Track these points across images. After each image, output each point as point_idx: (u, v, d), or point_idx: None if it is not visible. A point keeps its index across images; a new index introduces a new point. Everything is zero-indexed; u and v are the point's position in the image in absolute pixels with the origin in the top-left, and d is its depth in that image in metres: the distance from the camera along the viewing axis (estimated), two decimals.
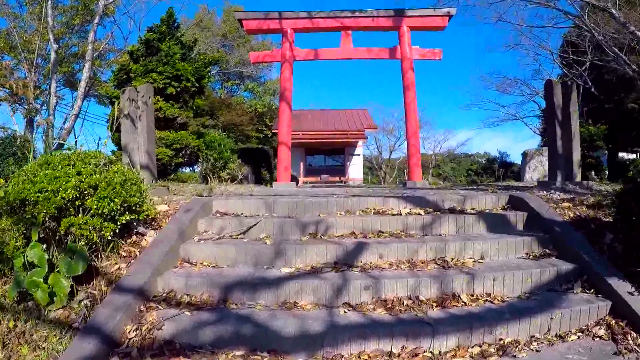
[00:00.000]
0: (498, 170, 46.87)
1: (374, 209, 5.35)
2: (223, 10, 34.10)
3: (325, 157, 32.12)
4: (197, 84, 12.15)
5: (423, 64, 11.83)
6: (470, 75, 66.12)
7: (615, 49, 19.11)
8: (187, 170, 15.54)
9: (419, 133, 11.25)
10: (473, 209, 5.56)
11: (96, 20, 13.41)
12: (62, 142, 10.94)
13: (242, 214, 5.39)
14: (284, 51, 11.05)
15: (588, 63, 24.60)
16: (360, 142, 30.45)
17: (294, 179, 17.51)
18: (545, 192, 6.73)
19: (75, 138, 13.04)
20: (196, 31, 32.07)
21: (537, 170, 14.18)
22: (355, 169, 30.92)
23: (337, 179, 30.35)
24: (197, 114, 31.47)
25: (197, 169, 13.43)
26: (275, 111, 35.93)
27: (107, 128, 12.74)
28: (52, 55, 12.87)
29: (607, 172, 22.21)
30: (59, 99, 22.71)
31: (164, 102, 11.76)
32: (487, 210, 5.55)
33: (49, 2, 12.13)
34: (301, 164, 30.06)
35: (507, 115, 33.32)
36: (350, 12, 10.89)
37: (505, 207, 5.75)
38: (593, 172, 19.72)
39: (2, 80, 7.29)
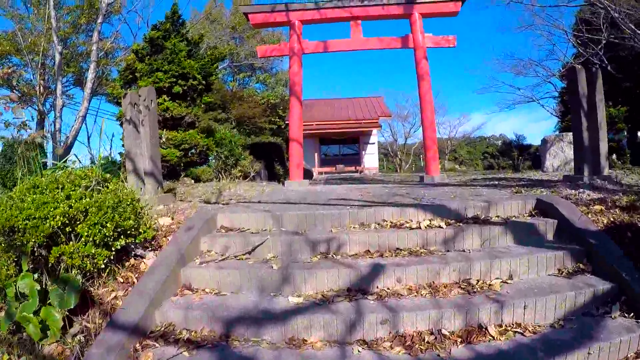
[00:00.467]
0: (516, 156, 45.96)
1: (391, 222, 4.91)
2: (233, 1, 33.61)
3: (340, 146, 31.65)
4: (204, 82, 11.77)
5: (436, 49, 11.45)
6: (484, 59, 64.42)
7: (631, 25, 18.34)
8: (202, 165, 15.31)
9: (435, 124, 10.77)
10: (498, 216, 5.11)
11: (99, 20, 13.12)
12: (67, 148, 10.74)
13: (248, 229, 5.03)
14: (292, 44, 10.61)
15: (604, 42, 23.69)
16: (374, 131, 29.92)
17: (308, 173, 17.16)
18: (572, 190, 6.26)
19: (87, 135, 12.86)
20: (206, 24, 31.66)
21: (557, 156, 13.54)
22: (370, 158, 30.43)
23: (352, 168, 29.96)
24: (209, 108, 31.25)
25: (214, 160, 13.06)
26: (287, 102, 35.53)
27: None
28: (57, 57, 12.67)
29: (629, 155, 21.38)
30: (70, 98, 22.69)
31: (171, 101, 11.43)
32: (514, 218, 5.08)
33: (51, 2, 11.83)
34: (315, 154, 29.68)
35: (523, 98, 32.28)
36: (359, 0, 10.39)
37: (533, 212, 5.28)
38: (615, 156, 19.01)
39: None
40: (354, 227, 4.86)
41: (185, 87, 11.55)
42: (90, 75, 12.37)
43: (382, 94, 41.23)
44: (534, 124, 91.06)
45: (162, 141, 11.06)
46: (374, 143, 30.66)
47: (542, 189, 6.73)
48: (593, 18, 23.68)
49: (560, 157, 13.44)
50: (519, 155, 49.59)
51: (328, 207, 5.49)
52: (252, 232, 4.92)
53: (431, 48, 10.72)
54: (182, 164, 11.58)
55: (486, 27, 74.42)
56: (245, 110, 28.00)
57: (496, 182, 8.79)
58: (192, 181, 17.11)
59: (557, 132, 44.00)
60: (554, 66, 31.52)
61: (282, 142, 17.72)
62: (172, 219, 5.77)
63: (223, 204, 6.96)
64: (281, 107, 33.67)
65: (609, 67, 26.78)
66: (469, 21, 79.53)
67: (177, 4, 12.76)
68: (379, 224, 4.90)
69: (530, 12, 25.90)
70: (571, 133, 14.19)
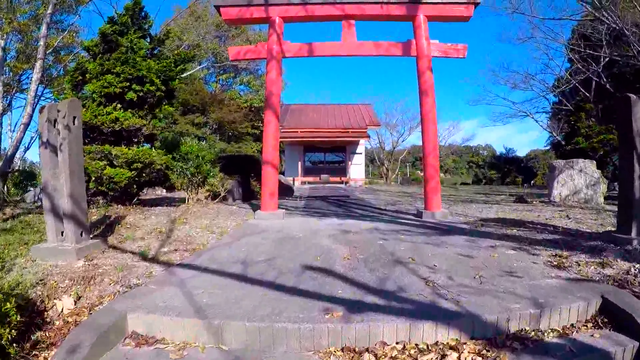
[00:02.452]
0: (506, 170, 44.65)
1: (397, 351, 2.92)
2: None
3: (326, 154, 29.78)
4: (163, 87, 9.67)
5: (442, 59, 9.50)
6: (479, 69, 62.99)
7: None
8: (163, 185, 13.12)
9: (438, 149, 8.87)
10: (553, 330, 3.21)
11: (49, 11, 11.04)
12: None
13: (168, 344, 3.07)
14: (271, 46, 8.63)
15: (607, 58, 22.15)
16: (362, 141, 28.05)
17: (287, 190, 15.20)
18: (627, 261, 4.56)
19: (25, 148, 10.74)
20: (190, 21, 29.53)
21: (566, 185, 11.92)
22: (357, 169, 28.60)
23: (337, 179, 28.12)
24: (187, 111, 29.17)
25: (177, 178, 11.03)
26: None
27: None
28: None
29: None
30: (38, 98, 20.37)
31: (122, 110, 9.34)
32: (575, 333, 3.17)
33: None
34: (299, 162, 27.79)
35: (516, 112, 30.75)
36: None
37: (599, 320, 3.39)
38: None
39: None
40: (335, 356, 2.92)
41: (141, 94, 9.48)
42: (35, 75, 10.29)
43: (372, 101, 39.63)
44: (522, 135, 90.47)
45: (108, 158, 9.03)
46: (361, 153, 28.83)
47: (582, 255, 5.11)
48: (593, 34, 22.20)
49: (569, 186, 11.82)
50: (509, 169, 48.42)
51: (298, 297, 3.55)
52: (175, 349, 2.98)
53: (437, 58, 8.85)
54: (134, 186, 9.51)
55: (484, 36, 73.17)
56: (226, 114, 25.96)
57: (515, 232, 6.94)
58: (164, 191, 15.05)
59: (548, 147, 42.75)
60: (550, 79, 30.13)
61: (259, 156, 15.66)
62: (78, 299, 3.89)
63: (160, 263, 5.09)
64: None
65: (607, 85, 25.34)
66: (467, 28, 78.29)
67: None
68: (375, 355, 2.93)
69: (530, 23, 24.48)
70: (581, 160, 12.74)
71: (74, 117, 5.47)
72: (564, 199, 11.77)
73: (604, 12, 16.53)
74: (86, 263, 4.98)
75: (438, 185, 8.80)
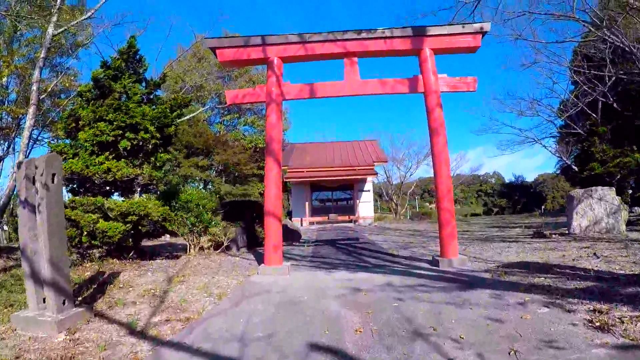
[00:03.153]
0: (516, 199, 43.73)
1: None
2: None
3: (333, 192, 29.09)
4: (158, 135, 9.12)
5: (451, 94, 8.97)
6: (484, 98, 62.64)
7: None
8: (161, 237, 12.39)
9: (452, 191, 8.18)
10: None
11: (42, 54, 10.64)
12: None
13: None
14: (270, 88, 8.11)
15: (613, 78, 21.64)
16: (369, 178, 27.40)
17: (293, 234, 14.45)
18: None
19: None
20: (193, 62, 29.52)
21: (586, 216, 11.16)
22: (365, 206, 27.81)
23: (346, 217, 27.30)
24: (190, 153, 28.77)
25: (176, 228, 10.41)
26: None
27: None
28: None
29: None
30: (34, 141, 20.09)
31: (115, 160, 8.79)
32: None
33: None
34: (306, 203, 27.06)
35: (524, 138, 30.05)
36: (355, 32, 7.94)
37: None
38: None
39: None
40: None
41: (135, 141, 8.95)
42: (28, 122, 9.82)
43: (377, 135, 39.24)
44: (529, 159, 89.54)
45: (101, 210, 8.41)
46: (369, 190, 28.10)
47: (623, 307, 4.47)
48: (596, 53, 21.77)
49: (589, 216, 11.07)
50: (519, 198, 47.57)
51: None
52: None
53: (447, 93, 8.27)
54: (130, 239, 8.84)
55: (487, 65, 73.37)
56: (230, 156, 25.47)
57: (543, 280, 6.15)
58: (168, 236, 14.29)
59: (557, 171, 41.79)
60: (555, 103, 29.59)
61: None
62: None
63: (148, 339, 4.46)
64: None
65: (614, 104, 24.73)
66: (470, 57, 78.66)
67: (135, 37, 10.30)
68: None
69: (533, 49, 24.14)
70: (600, 188, 11.97)
71: (53, 175, 4.88)
72: (584, 230, 11.02)
73: (605, 31, 16.08)
74: (67, 338, 4.37)
75: (454, 231, 8.04)
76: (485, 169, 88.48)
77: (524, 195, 50.10)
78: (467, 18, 9.98)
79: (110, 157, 8.84)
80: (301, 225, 26.48)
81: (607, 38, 16.56)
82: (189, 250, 10.75)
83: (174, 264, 9.06)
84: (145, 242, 11.42)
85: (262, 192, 30.38)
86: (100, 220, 8.35)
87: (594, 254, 7.78)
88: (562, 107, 27.32)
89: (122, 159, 8.92)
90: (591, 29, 16.87)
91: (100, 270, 7.95)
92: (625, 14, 15.76)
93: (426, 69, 8.07)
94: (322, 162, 27.97)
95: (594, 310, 4.42)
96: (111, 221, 8.36)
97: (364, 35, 7.93)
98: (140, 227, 8.83)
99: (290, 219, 29.41)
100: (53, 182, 4.88)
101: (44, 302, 4.78)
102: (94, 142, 8.82)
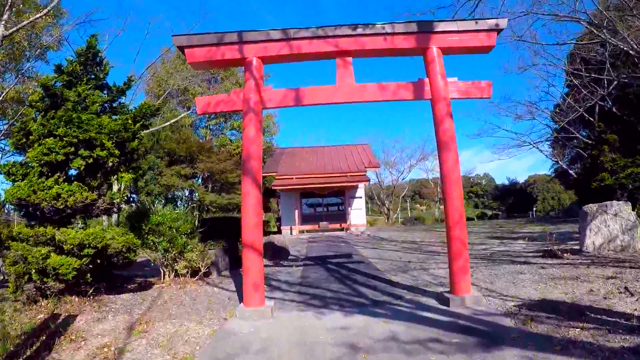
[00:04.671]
0: (511, 202, 42.66)
1: None
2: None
3: (324, 199, 27.69)
4: (116, 151, 7.57)
5: (462, 100, 7.57)
6: (479, 103, 61.58)
7: None
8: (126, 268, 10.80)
9: (465, 216, 6.80)
10: None
11: None
12: None
13: None
14: (248, 94, 6.68)
15: (615, 82, 20.52)
16: (361, 184, 26.05)
17: (280, 253, 13.03)
18: None
19: None
20: (177, 63, 27.95)
21: (600, 233, 9.96)
22: (357, 214, 26.45)
23: (337, 225, 25.92)
24: (173, 161, 27.15)
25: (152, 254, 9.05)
26: (265, 151, 31.68)
27: None
28: None
29: None
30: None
31: (66, 183, 7.27)
32: None
33: None
34: (296, 211, 25.65)
35: (519, 142, 28.94)
36: (350, 27, 6.52)
37: None
38: None
39: None
40: None
41: (91, 160, 7.44)
42: None
43: (369, 139, 37.93)
44: (521, 161, 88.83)
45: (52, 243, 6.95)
46: (360, 197, 26.73)
47: None
48: (595, 56, 20.68)
49: (604, 233, 9.84)
50: (514, 201, 46.65)
51: None
52: None
53: (457, 100, 6.91)
54: (88, 275, 7.33)
55: (483, 68, 72.37)
56: (215, 163, 23.92)
57: (579, 333, 4.84)
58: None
59: (552, 174, 40.76)
60: (552, 107, 28.54)
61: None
62: None
63: None
64: None
65: (614, 108, 23.64)
66: (462, 60, 77.45)
67: (96, 36, 8.79)
68: None
69: (530, 50, 23.04)
70: (615, 203, 10.81)
71: None
72: (598, 248, 9.80)
73: (605, 32, 14.98)
74: None
75: (467, 264, 6.66)
76: (476, 170, 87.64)
77: (515, 196, 49.19)
78: (466, 17, 8.70)
79: (61, 179, 7.33)
80: (291, 233, 25.13)
81: (609, 40, 15.47)
82: (163, 277, 9.32)
83: (142, 300, 7.64)
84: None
85: None
86: (52, 254, 6.88)
87: (625, 288, 6.50)
88: (556, 110, 26.27)
89: (75, 182, 7.40)
90: (594, 30, 15.78)
91: (55, 311, 6.56)
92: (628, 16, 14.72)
93: (433, 71, 6.69)
94: (312, 168, 26.59)
95: None
96: (64, 255, 6.89)
97: (360, 31, 6.53)
98: (98, 262, 7.36)
99: (280, 227, 28.00)
100: None
101: None
102: (42, 161, 7.30)
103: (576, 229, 15.69)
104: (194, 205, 24.74)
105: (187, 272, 9.50)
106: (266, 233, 31.37)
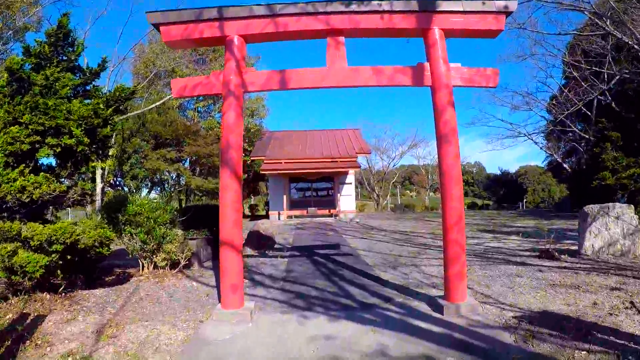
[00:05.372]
0: (502, 193, 42.32)
1: None
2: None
3: (312, 184, 27.07)
4: (86, 139, 6.80)
5: (465, 88, 7.04)
6: (475, 91, 60.98)
7: None
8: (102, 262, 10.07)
9: (464, 219, 6.19)
10: None
11: None
12: None
13: None
14: (228, 76, 5.98)
15: (617, 77, 19.93)
16: (351, 170, 25.45)
17: (266, 241, 12.44)
18: None
19: None
20: (164, 44, 26.89)
21: (600, 236, 9.48)
22: (346, 200, 25.90)
23: (326, 211, 25.38)
24: (159, 144, 26.24)
25: (128, 243, 8.47)
26: (254, 134, 30.87)
27: None
28: None
29: None
30: None
31: (32, 174, 6.53)
32: None
33: None
34: (284, 196, 25.02)
35: (514, 133, 28.44)
36: (343, 4, 5.79)
37: None
38: None
39: None
40: None
41: (59, 149, 6.69)
42: None
43: (360, 124, 37.37)
44: (510, 150, 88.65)
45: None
46: (350, 183, 26.15)
47: None
48: (596, 49, 20.08)
49: (604, 236, 9.35)
50: (504, 192, 46.36)
51: None
52: None
53: (461, 87, 6.27)
54: (59, 271, 6.66)
55: (480, 56, 71.59)
56: (202, 147, 23.09)
57: (586, 357, 4.32)
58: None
59: (544, 166, 40.41)
60: (548, 97, 28.04)
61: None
62: None
63: None
64: (247, 140, 29.01)
65: (613, 104, 23.14)
66: (460, 47, 76.15)
67: (68, 15, 7.94)
68: None
69: (530, 39, 22.41)
70: (618, 205, 10.33)
71: None
72: (597, 251, 9.31)
73: (608, 22, 14.42)
74: None
75: (464, 269, 6.09)
76: (467, 158, 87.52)
77: (506, 187, 48.99)
78: None
79: (27, 170, 6.59)
80: (279, 219, 24.57)
81: (612, 32, 14.89)
82: (142, 269, 8.75)
83: (117, 296, 7.05)
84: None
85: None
86: (20, 251, 6.20)
87: (632, 303, 5.99)
88: (553, 102, 25.74)
89: (42, 173, 6.67)
90: (597, 21, 15.19)
91: (25, 310, 5.96)
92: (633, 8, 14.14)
93: (435, 55, 6.02)
94: (301, 153, 25.92)
95: None
96: (32, 252, 6.21)
97: (354, 7, 5.81)
98: (69, 257, 6.70)
99: (268, 213, 27.39)
100: None
101: None
102: (7, 151, 6.57)
103: (570, 226, 15.31)
104: (181, 189, 24.00)
105: (167, 265, 8.90)
106: (255, 217, 30.80)
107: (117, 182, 26.76)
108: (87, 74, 8.04)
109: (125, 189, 26.13)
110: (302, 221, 23.11)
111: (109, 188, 22.75)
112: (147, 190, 29.10)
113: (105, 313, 6.20)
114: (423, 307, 6.28)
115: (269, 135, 29.91)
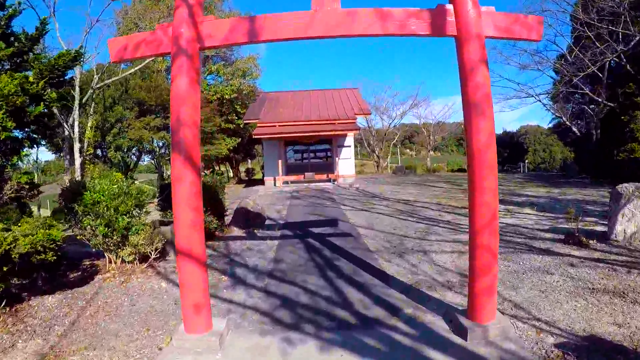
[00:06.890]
0: (506, 154, 40.71)
1: None
2: None
3: (310, 147, 25.42)
4: (10, 122, 5.10)
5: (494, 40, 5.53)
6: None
7: None
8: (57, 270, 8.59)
9: (497, 220, 4.57)
10: None
11: None
12: None
13: None
14: (178, 29, 4.28)
15: (637, 37, 17.89)
16: (351, 133, 23.74)
17: (254, 219, 10.97)
18: None
19: None
20: (150, 4, 24.59)
21: (634, 219, 7.92)
22: (345, 164, 24.33)
23: (324, 176, 23.80)
24: (144, 111, 24.34)
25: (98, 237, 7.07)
26: (248, 95, 28.90)
27: None
28: None
29: None
30: None
31: None
32: None
33: None
34: (279, 161, 23.44)
35: (522, 93, 26.43)
36: None
37: None
38: None
39: None
40: None
41: None
42: None
43: (359, 83, 35.47)
44: (510, 110, 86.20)
45: None
46: (349, 146, 24.48)
47: None
48: (613, 7, 17.99)
49: (638, 220, 7.77)
50: (508, 154, 44.87)
51: None
52: None
53: (493, 38, 4.59)
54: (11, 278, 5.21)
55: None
56: None
57: None
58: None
59: (551, 126, 38.49)
60: (556, 56, 25.93)
61: (218, 181, 11.03)
62: None
63: None
64: (239, 103, 27.09)
65: (628, 66, 21.02)
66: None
67: None
68: None
69: None
70: None
71: None
72: (629, 238, 7.74)
73: None
74: None
75: (495, 281, 4.55)
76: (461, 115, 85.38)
77: (510, 149, 47.51)
78: None
79: None
80: (274, 185, 23.14)
81: None
82: (109, 264, 7.39)
83: (70, 308, 5.72)
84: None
85: (230, 148, 26.51)
86: None
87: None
88: (561, 61, 23.69)
89: None
90: None
91: None
92: None
93: None
94: (297, 115, 24.14)
95: None
96: None
97: None
98: (5, 269, 5.23)
99: (263, 178, 25.87)
100: None
101: None
102: None
103: (586, 197, 13.85)
104: (168, 159, 22.32)
105: (135, 259, 7.48)
106: (251, 182, 29.30)
107: (104, 154, 25.22)
108: (23, 40, 6.31)
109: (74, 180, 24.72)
110: (298, 187, 21.65)
111: (97, 160, 21.19)
112: (135, 161, 27.53)
113: (50, 335, 4.96)
114: (440, 326, 4.83)
115: (263, 96, 27.93)
